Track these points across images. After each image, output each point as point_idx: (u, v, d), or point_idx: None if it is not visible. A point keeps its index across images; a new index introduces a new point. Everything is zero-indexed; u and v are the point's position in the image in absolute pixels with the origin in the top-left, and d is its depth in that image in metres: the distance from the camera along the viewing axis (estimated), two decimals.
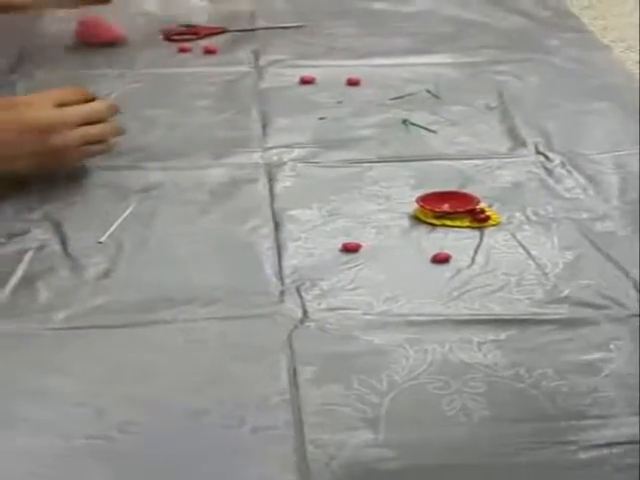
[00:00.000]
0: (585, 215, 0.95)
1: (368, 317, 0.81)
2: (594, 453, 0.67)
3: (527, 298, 0.83)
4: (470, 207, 0.95)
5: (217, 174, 1.02)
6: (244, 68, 1.30)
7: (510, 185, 1.01)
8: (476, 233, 0.92)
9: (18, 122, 0.98)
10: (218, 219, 0.95)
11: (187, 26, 1.40)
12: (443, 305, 0.82)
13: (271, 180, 1.01)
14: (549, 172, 1.03)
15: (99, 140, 1.02)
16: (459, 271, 0.87)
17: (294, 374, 0.74)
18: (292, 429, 0.69)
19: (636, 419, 0.70)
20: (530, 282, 0.85)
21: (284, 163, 1.05)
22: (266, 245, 0.91)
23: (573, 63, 1.31)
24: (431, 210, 0.94)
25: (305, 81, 1.25)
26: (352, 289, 0.84)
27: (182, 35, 1.38)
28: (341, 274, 0.86)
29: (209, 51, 1.34)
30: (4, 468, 0.67)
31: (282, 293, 0.84)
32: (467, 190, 0.99)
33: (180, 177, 1.02)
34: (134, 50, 1.35)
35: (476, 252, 0.89)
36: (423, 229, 0.93)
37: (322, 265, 0.88)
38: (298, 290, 0.84)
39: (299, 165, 1.05)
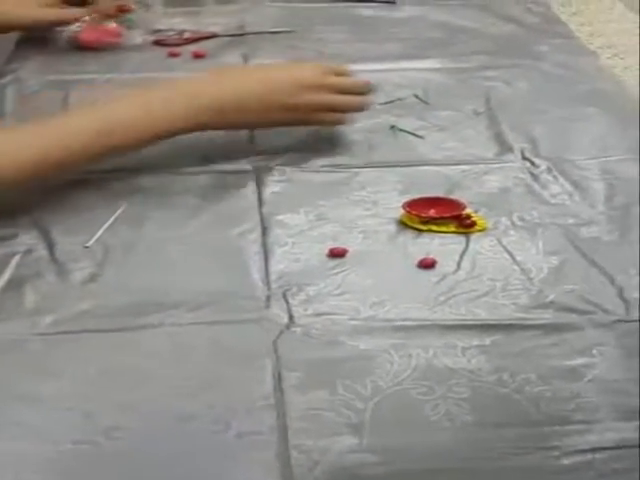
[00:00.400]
0: (571, 221, 0.96)
1: (354, 322, 0.81)
2: (578, 458, 0.68)
3: (512, 303, 0.83)
4: (456, 213, 0.95)
5: (205, 179, 1.03)
6: None
7: (496, 191, 1.01)
8: (462, 238, 0.93)
9: (270, 77, 1.08)
10: (206, 224, 0.95)
11: (177, 31, 1.41)
12: (429, 310, 0.83)
13: (259, 185, 1.02)
14: (535, 178, 1.04)
15: (342, 109, 1.09)
16: (445, 276, 0.87)
17: (279, 379, 0.75)
18: (276, 434, 0.69)
19: (619, 424, 0.70)
20: (515, 287, 0.86)
21: (272, 168, 1.05)
22: (254, 250, 0.91)
23: (561, 69, 1.31)
24: (417, 215, 0.95)
25: None
26: (338, 294, 0.85)
27: (172, 39, 1.39)
28: (328, 279, 0.87)
29: (198, 55, 1.35)
30: None
31: (268, 298, 0.84)
32: (454, 195, 0.99)
33: (168, 181, 1.02)
34: (123, 54, 1.35)
35: (462, 257, 0.90)
36: (409, 234, 0.94)
37: (309, 270, 0.88)
38: (284, 295, 0.84)
39: (287, 170, 1.05)
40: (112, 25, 1.36)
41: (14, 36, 1.40)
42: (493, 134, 1.13)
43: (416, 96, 1.22)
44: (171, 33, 1.40)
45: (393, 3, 1.55)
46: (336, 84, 1.09)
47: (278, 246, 0.91)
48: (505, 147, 1.10)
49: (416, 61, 1.33)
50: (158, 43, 1.38)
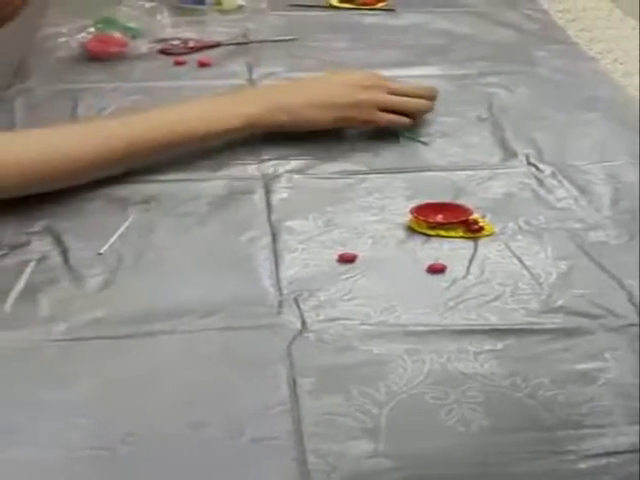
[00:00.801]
0: (577, 225, 0.96)
1: (366, 327, 0.81)
2: (593, 463, 0.68)
3: (522, 308, 0.84)
4: (463, 218, 0.96)
5: (215, 186, 1.03)
6: (238, 81, 1.30)
7: (502, 196, 1.02)
8: (470, 244, 0.93)
9: (333, 78, 1.14)
10: (216, 231, 0.95)
11: (182, 40, 1.41)
12: (440, 315, 0.83)
13: (268, 192, 1.02)
14: (540, 183, 1.04)
15: (403, 112, 1.13)
16: (455, 281, 0.88)
17: (294, 385, 0.75)
18: (292, 439, 0.70)
19: (633, 428, 0.70)
20: (525, 292, 0.86)
21: (280, 175, 1.06)
22: (264, 256, 0.91)
23: (561, 75, 1.32)
24: (425, 221, 0.95)
25: None
26: (349, 299, 0.85)
27: (177, 48, 1.39)
28: (338, 284, 0.87)
29: (203, 64, 1.35)
30: (3, 479, 0.67)
31: (280, 304, 0.84)
32: (460, 201, 1.00)
33: (178, 189, 1.02)
34: (129, 63, 1.35)
35: (471, 262, 0.90)
36: (418, 239, 0.94)
37: (319, 276, 0.88)
38: (296, 301, 0.85)
39: (295, 177, 1.05)
40: (117, 35, 1.36)
41: (21, 47, 1.40)
42: (497, 140, 1.14)
43: None
44: (176, 42, 1.41)
45: (393, 11, 1.56)
46: (396, 87, 1.14)
47: (288, 252, 0.92)
48: (510, 153, 1.11)
49: (417, 68, 1.34)
50: (163, 52, 1.39)
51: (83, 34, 1.38)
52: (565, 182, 1.04)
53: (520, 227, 0.96)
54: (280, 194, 1.02)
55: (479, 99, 1.24)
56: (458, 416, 0.72)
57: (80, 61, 1.36)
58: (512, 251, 0.92)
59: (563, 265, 0.90)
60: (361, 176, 1.06)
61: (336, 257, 0.91)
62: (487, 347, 0.79)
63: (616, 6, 1.59)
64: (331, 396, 0.74)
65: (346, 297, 0.85)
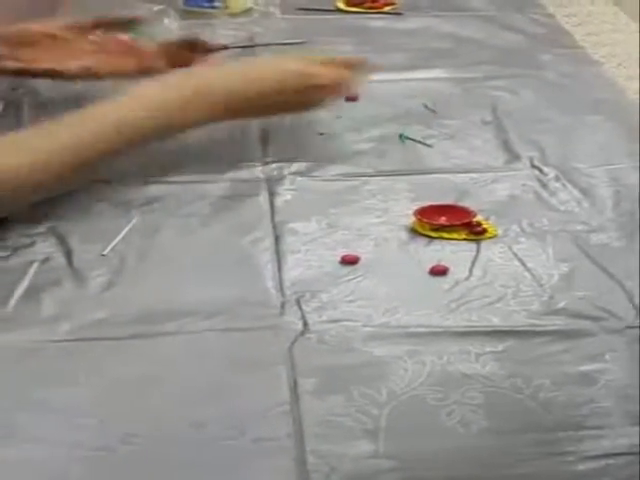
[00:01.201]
0: (580, 227, 0.96)
1: (368, 329, 0.82)
2: (592, 464, 0.68)
3: (524, 310, 0.84)
4: (467, 220, 0.96)
5: (218, 188, 1.03)
6: None
7: (505, 198, 1.02)
8: (473, 246, 0.94)
9: (279, 67, 1.10)
10: (219, 232, 0.96)
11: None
12: (441, 317, 0.83)
13: (271, 194, 1.03)
14: (544, 185, 1.05)
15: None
16: (457, 283, 0.88)
17: (295, 386, 0.75)
18: (293, 440, 0.70)
19: (633, 430, 0.70)
20: (527, 294, 0.86)
21: (284, 177, 1.06)
22: (266, 257, 0.92)
23: (565, 78, 1.33)
24: (428, 223, 0.96)
25: None
26: (351, 301, 0.85)
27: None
28: (341, 286, 0.87)
29: None
30: (5, 479, 0.67)
31: (282, 305, 0.85)
32: (463, 203, 1.00)
33: (182, 191, 1.03)
34: None
35: (473, 264, 0.90)
36: (421, 241, 0.94)
37: (322, 277, 0.89)
38: (298, 302, 0.85)
39: (299, 179, 1.06)
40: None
41: None
42: (501, 143, 1.14)
43: (425, 105, 1.22)
44: None
45: (400, 14, 1.57)
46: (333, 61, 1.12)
47: (291, 254, 0.92)
48: (513, 155, 1.11)
49: (423, 71, 1.35)
50: None
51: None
52: (568, 185, 1.05)
53: (523, 229, 0.96)
54: (284, 196, 1.02)
55: (484, 102, 1.25)
56: (458, 417, 0.72)
57: None
58: (514, 253, 0.92)
59: (565, 267, 0.90)
60: (364, 178, 1.06)
61: (339, 259, 0.91)
62: (488, 348, 0.79)
63: (621, 10, 1.59)
64: (332, 397, 0.74)
65: (348, 299, 0.86)
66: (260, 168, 1.08)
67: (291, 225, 0.97)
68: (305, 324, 0.82)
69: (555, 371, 0.77)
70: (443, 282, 0.88)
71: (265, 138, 1.14)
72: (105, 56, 1.11)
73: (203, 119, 1.03)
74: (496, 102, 1.24)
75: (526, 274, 0.89)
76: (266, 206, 1.00)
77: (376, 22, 1.54)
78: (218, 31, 1.48)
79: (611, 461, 0.68)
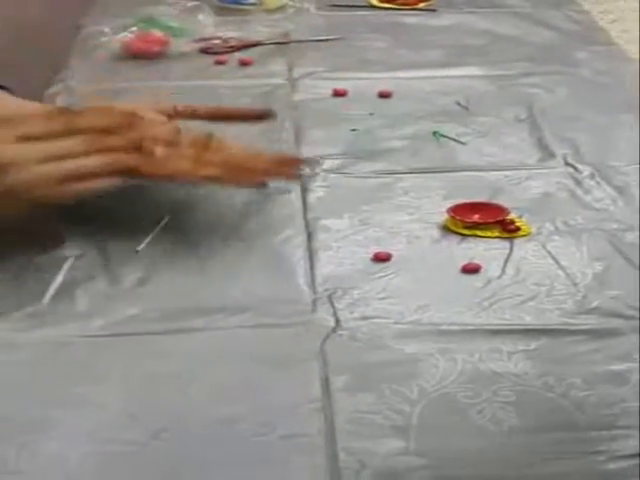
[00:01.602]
0: (614, 226, 0.96)
1: (399, 326, 0.82)
2: (623, 463, 0.68)
3: (557, 308, 0.84)
4: (500, 218, 0.96)
5: None
6: (278, 80, 1.31)
7: (539, 196, 1.02)
8: (506, 243, 0.93)
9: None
10: (252, 229, 0.96)
11: (223, 39, 1.42)
12: (474, 315, 0.83)
13: (304, 191, 1.03)
14: (578, 183, 1.04)
15: (94, 174, 0.87)
16: (489, 281, 0.88)
17: (326, 382, 0.75)
18: (324, 437, 0.70)
19: None
20: (560, 292, 0.86)
21: (317, 174, 1.06)
22: (299, 254, 0.92)
23: (601, 76, 1.32)
24: (461, 220, 0.95)
25: (338, 93, 1.26)
26: (383, 298, 0.85)
27: (218, 47, 1.40)
28: (372, 283, 0.87)
29: (244, 63, 1.36)
30: (40, 473, 0.68)
31: (314, 302, 0.85)
32: (497, 201, 1.00)
33: (214, 188, 1.02)
34: (170, 62, 1.36)
35: (506, 262, 0.90)
36: (453, 239, 0.94)
37: (354, 274, 0.89)
38: (330, 299, 0.85)
39: (331, 176, 1.06)
40: (159, 34, 1.38)
41: (63, 46, 1.42)
42: (535, 140, 1.14)
43: (458, 103, 1.22)
44: (217, 41, 1.41)
45: (434, 11, 1.56)
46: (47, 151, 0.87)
47: (323, 250, 0.92)
48: (547, 153, 1.11)
49: (457, 68, 1.34)
50: (204, 51, 1.39)
51: (124, 33, 1.39)
52: (603, 183, 1.04)
53: (557, 227, 0.96)
54: (316, 193, 1.03)
55: (518, 100, 1.24)
56: (489, 415, 0.72)
57: (121, 60, 1.37)
58: (548, 251, 0.92)
59: (599, 266, 0.89)
60: (397, 175, 1.06)
61: (371, 256, 0.91)
62: (520, 347, 0.79)
63: None
64: (363, 394, 0.74)
65: (380, 295, 0.86)
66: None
67: (323, 222, 0.97)
68: (337, 321, 0.82)
69: (587, 370, 0.76)
70: (475, 280, 0.88)
71: (298, 134, 1.15)
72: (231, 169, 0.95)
73: None
74: (531, 100, 1.24)
75: (560, 272, 0.89)
76: (298, 203, 1.00)
77: (410, 18, 1.54)
78: (253, 27, 1.49)
79: None
